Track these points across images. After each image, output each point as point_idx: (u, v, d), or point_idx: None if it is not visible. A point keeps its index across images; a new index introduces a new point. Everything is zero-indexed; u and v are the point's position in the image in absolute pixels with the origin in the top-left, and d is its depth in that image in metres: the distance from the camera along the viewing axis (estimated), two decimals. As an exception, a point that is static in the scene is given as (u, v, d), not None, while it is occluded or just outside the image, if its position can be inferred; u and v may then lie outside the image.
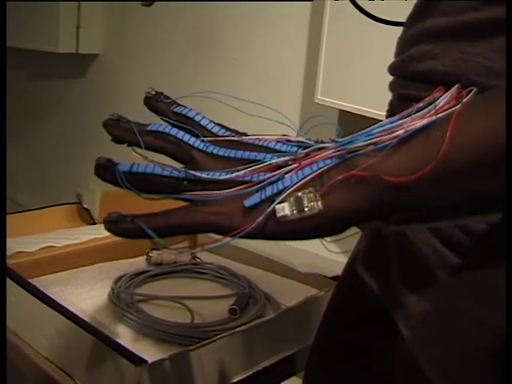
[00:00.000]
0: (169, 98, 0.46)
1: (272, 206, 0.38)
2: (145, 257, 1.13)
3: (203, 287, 1.08)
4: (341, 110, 1.40)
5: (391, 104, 0.56)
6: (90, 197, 2.19)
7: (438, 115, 0.36)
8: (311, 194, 0.38)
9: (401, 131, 0.37)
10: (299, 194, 0.38)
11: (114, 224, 0.40)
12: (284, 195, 0.38)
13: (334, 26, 1.30)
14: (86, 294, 1.01)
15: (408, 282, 0.49)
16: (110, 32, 2.19)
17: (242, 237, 0.38)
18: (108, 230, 0.40)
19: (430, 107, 0.38)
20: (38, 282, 0.98)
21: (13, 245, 1.06)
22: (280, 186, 0.39)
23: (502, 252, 0.39)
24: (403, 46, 0.52)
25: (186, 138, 0.42)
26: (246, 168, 0.40)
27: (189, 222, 0.40)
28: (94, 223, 1.33)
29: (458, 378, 0.46)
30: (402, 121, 0.38)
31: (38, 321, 0.89)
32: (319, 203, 0.37)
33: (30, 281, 0.94)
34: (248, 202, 0.39)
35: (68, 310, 0.86)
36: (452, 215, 0.39)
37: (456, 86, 0.39)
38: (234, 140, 0.43)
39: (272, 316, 0.92)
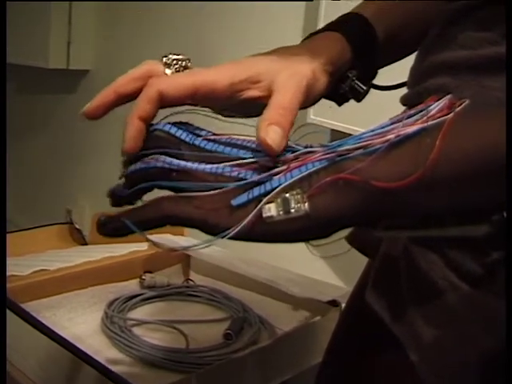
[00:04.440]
0: None
1: (259, 206, 0.38)
2: (138, 280, 1.12)
3: (197, 310, 1.07)
4: (333, 130, 1.40)
5: None
6: (80, 213, 2.18)
7: (430, 122, 0.36)
8: (298, 196, 0.37)
9: (391, 136, 0.37)
10: (286, 195, 0.38)
11: (104, 227, 0.41)
12: (271, 195, 0.38)
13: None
14: (79, 318, 0.99)
15: (423, 314, 0.48)
16: (100, 48, 2.18)
17: (228, 237, 0.38)
18: (101, 234, 0.41)
19: (421, 113, 0.38)
20: (30, 306, 0.97)
21: (4, 267, 1.05)
22: (268, 186, 0.38)
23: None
24: (419, 77, 0.50)
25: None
26: (233, 165, 0.40)
27: (174, 214, 0.39)
28: (86, 244, 1.32)
29: None
30: (393, 126, 0.38)
31: (31, 347, 0.87)
32: (306, 205, 0.37)
33: (23, 305, 0.93)
34: (235, 202, 0.38)
35: (61, 337, 0.85)
36: (438, 224, 0.39)
37: (449, 95, 0.39)
38: (223, 142, 0.43)
39: (269, 342, 0.91)
